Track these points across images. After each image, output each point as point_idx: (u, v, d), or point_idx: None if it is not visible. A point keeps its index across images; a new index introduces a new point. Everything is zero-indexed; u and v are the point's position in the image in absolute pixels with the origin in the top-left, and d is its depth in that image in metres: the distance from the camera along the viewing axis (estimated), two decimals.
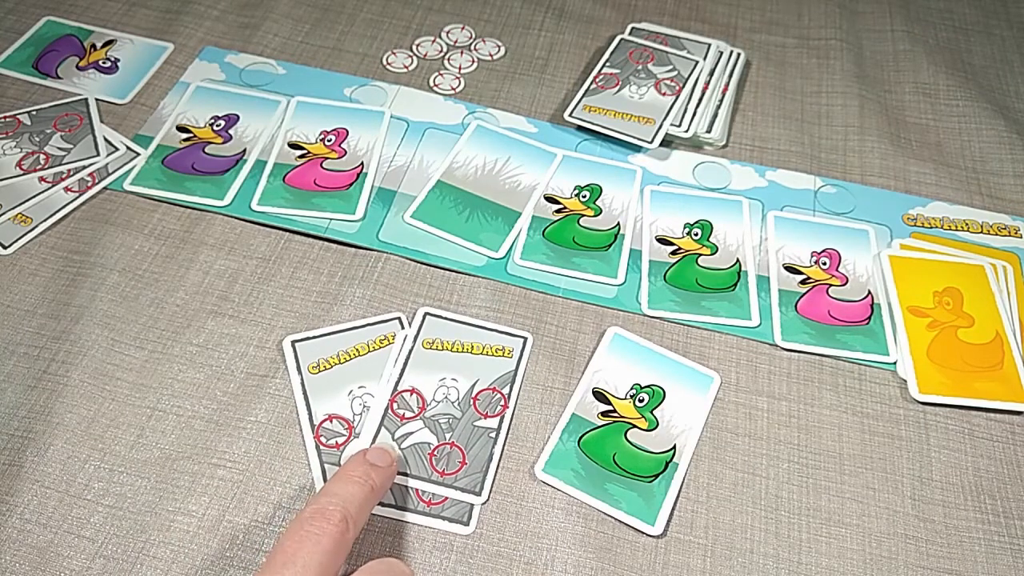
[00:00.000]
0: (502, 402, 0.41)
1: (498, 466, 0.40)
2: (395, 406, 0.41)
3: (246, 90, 0.54)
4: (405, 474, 0.39)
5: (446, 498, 0.38)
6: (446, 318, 0.44)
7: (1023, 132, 0.55)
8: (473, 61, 0.58)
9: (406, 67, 0.57)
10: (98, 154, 0.50)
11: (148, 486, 0.38)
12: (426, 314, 0.44)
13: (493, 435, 0.40)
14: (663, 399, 0.42)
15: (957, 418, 0.43)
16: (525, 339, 0.44)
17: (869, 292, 0.47)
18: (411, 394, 0.41)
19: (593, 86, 0.55)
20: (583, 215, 0.49)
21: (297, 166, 0.50)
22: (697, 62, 0.57)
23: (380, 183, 0.50)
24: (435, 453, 0.39)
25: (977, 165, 0.54)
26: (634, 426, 0.41)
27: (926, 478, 0.40)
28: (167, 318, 0.44)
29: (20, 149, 0.50)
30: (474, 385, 0.42)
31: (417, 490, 0.38)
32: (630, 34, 0.59)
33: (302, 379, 0.42)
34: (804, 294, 0.47)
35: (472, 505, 0.38)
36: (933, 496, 0.40)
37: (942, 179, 0.53)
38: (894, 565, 0.38)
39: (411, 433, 0.40)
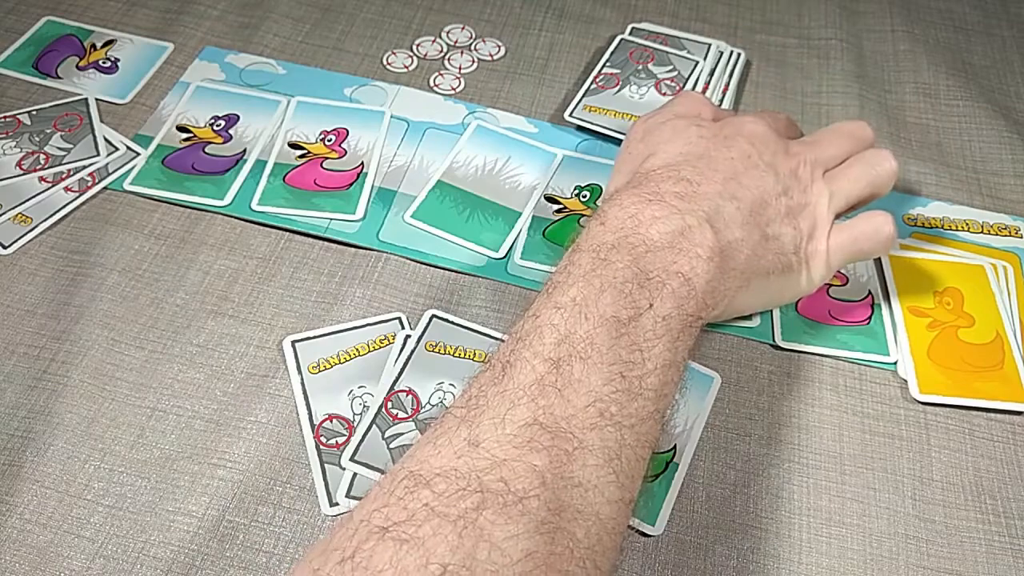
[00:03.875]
0: None
1: None
2: (389, 405, 0.40)
3: (246, 90, 0.54)
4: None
5: None
6: (452, 322, 0.44)
7: (1023, 132, 0.55)
8: (473, 61, 0.58)
9: (406, 67, 0.57)
10: (98, 154, 0.50)
11: (148, 486, 0.38)
12: (433, 316, 0.44)
13: None
14: None
15: (957, 418, 0.43)
16: None
17: (869, 292, 0.47)
18: (407, 395, 0.41)
19: (593, 86, 0.55)
20: (583, 215, 0.49)
21: (297, 166, 0.50)
22: (697, 62, 0.57)
23: (380, 183, 0.50)
24: None
25: (977, 165, 0.54)
26: None
27: (926, 478, 0.40)
28: (167, 318, 0.44)
29: (20, 149, 0.50)
30: None
31: None
32: (630, 34, 0.59)
33: (302, 379, 0.42)
34: None
35: None
36: (933, 496, 0.40)
37: (942, 179, 0.53)
38: (894, 565, 0.38)
39: (402, 434, 0.40)
